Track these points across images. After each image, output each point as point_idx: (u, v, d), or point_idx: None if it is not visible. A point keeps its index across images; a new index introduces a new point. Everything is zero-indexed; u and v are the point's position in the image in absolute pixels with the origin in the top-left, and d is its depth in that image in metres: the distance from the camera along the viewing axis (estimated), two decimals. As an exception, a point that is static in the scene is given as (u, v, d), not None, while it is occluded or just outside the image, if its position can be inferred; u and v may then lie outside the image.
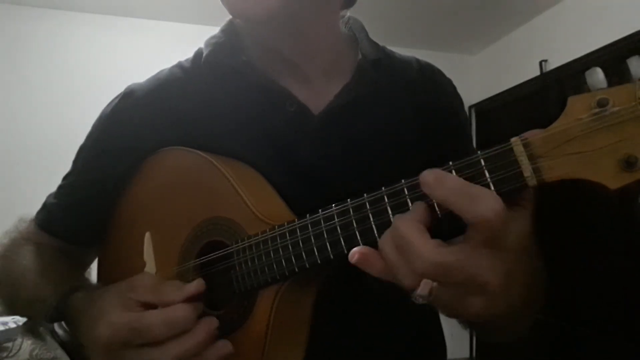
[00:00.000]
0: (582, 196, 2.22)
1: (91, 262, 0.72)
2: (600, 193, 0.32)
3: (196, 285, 0.47)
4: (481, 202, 0.32)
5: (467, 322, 0.51)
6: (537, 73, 2.87)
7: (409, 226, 0.35)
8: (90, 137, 0.65)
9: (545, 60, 2.84)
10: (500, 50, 3.40)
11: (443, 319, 0.66)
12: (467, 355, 3.17)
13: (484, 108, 3.31)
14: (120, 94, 0.64)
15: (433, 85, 0.67)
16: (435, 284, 0.34)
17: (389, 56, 0.66)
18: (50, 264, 0.61)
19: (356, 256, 0.38)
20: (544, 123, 0.34)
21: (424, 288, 0.34)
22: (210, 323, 0.45)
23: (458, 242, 0.35)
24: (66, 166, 0.68)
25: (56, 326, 0.50)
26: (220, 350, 0.45)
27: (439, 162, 0.38)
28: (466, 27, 3.18)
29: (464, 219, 0.33)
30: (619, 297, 2.21)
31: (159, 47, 2.89)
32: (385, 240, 0.37)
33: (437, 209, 0.37)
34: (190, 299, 0.46)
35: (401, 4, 2.84)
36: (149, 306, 0.46)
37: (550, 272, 0.48)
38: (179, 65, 0.65)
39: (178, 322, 0.44)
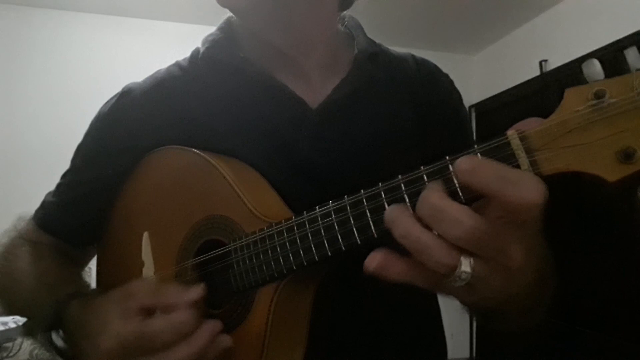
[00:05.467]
0: (580, 191, 2.22)
1: (89, 260, 0.72)
2: (600, 187, 0.32)
3: (197, 291, 0.46)
4: (524, 185, 0.30)
5: (474, 306, 0.50)
6: (537, 73, 2.87)
7: (440, 196, 0.33)
8: (88, 135, 0.65)
9: (545, 60, 2.84)
10: (500, 50, 3.40)
11: (443, 319, 0.66)
12: (467, 355, 3.17)
13: (484, 108, 3.31)
14: (118, 92, 0.64)
15: (430, 80, 0.67)
16: (472, 258, 0.33)
17: (385, 52, 0.66)
18: (47, 267, 0.61)
19: (373, 265, 0.35)
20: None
21: (465, 263, 0.32)
22: (215, 326, 0.45)
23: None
24: (66, 165, 0.67)
25: (53, 335, 0.50)
26: (219, 345, 0.45)
27: (438, 156, 0.37)
28: (466, 27, 3.18)
29: (504, 204, 0.31)
30: (619, 296, 2.20)
31: (159, 47, 2.89)
32: (410, 225, 0.34)
33: (460, 194, 0.35)
34: (192, 305, 0.45)
35: (401, 4, 2.84)
36: (148, 311, 0.45)
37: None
38: (177, 64, 0.65)
39: (183, 326, 0.43)
